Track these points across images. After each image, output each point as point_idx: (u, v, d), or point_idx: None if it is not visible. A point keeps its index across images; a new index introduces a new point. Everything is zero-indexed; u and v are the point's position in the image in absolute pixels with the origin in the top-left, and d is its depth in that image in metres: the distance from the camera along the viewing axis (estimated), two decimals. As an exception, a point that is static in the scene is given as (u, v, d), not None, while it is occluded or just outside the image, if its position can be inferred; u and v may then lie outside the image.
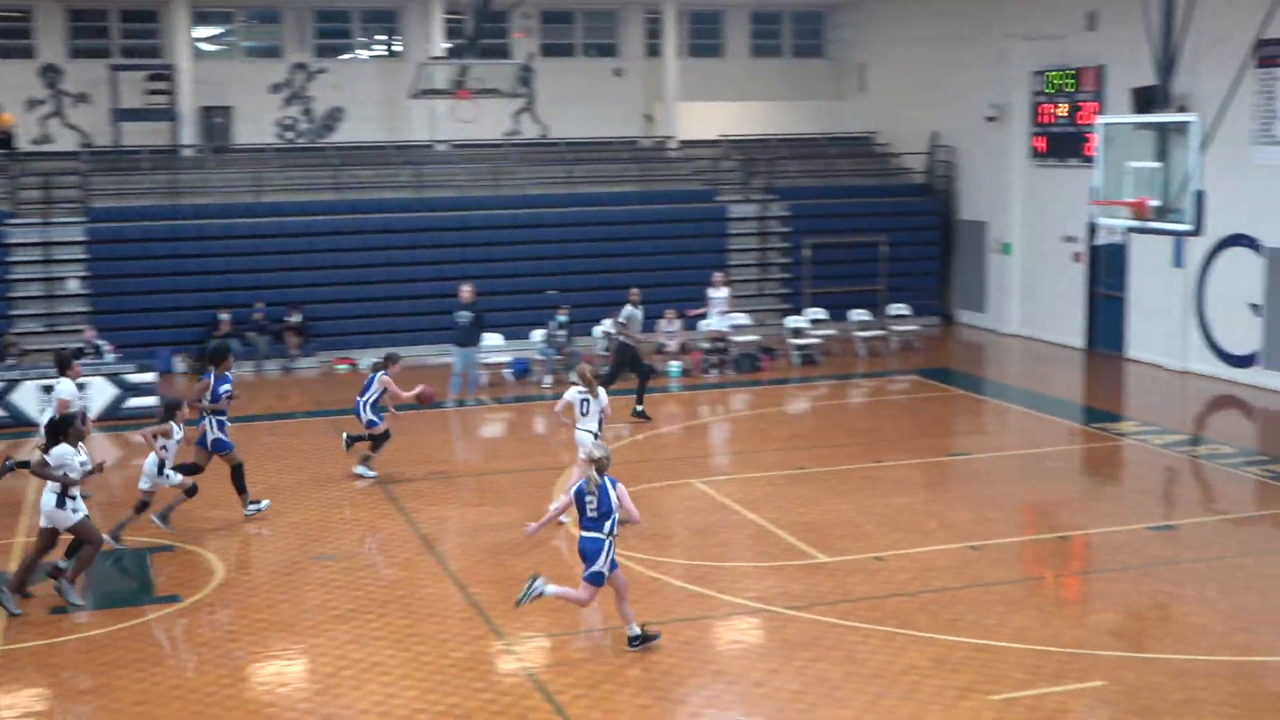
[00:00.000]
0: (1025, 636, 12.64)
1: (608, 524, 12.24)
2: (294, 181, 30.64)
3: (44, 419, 16.25)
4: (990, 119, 30.74)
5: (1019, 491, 17.95)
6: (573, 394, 16.56)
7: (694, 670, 12.01)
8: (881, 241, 30.59)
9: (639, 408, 22.05)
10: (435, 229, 29.47)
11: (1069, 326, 28.99)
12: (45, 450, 13.86)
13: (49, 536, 13.88)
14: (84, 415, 15.13)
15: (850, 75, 37.08)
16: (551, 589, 12.33)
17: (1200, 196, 16.39)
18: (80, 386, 17.60)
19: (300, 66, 33.30)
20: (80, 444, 13.92)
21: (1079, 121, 28.13)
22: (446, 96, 27.20)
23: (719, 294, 26.47)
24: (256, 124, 32.91)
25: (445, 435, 22.08)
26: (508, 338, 26.85)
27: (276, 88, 33.21)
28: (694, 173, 33.35)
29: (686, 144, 34.66)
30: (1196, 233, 16.93)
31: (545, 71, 34.53)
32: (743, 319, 28.23)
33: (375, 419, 18.57)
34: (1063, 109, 28.79)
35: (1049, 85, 29.10)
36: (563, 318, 25.82)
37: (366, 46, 34.82)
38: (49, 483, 13.64)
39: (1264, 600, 13.53)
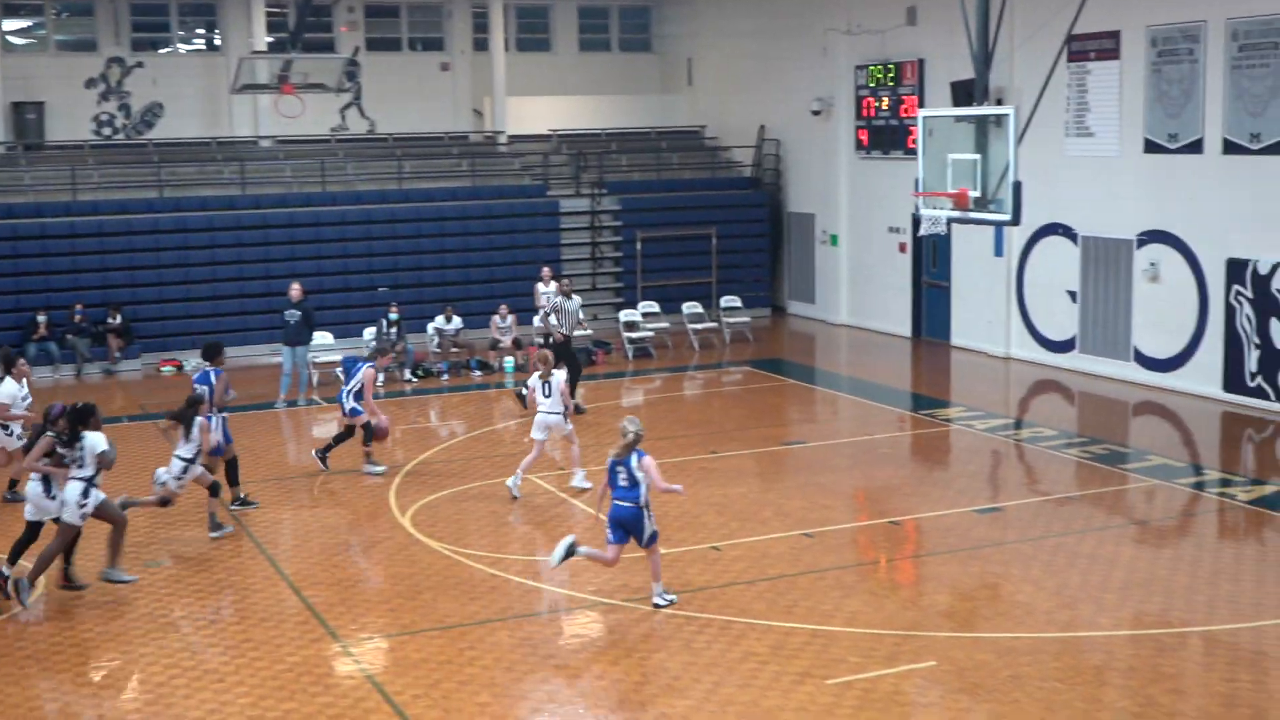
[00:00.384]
0: (859, 620, 12.87)
1: (639, 492, 12.99)
2: (112, 179, 29.78)
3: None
4: (815, 113, 31.23)
5: (851, 478, 18.27)
6: (534, 380, 17.49)
7: (534, 666, 11.98)
8: (712, 234, 30.91)
9: (575, 400, 21.97)
10: (261, 226, 28.91)
11: (896, 316, 29.61)
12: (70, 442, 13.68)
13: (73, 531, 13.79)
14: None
15: (678, 69, 37.37)
16: (584, 550, 13.19)
17: (1018, 187, 16.84)
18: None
19: (116, 61, 32.36)
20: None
21: (901, 115, 28.76)
22: (270, 91, 26.69)
23: (548, 289, 26.44)
24: (71, 120, 31.93)
25: (276, 436, 21.68)
26: (338, 336, 26.50)
27: (91, 83, 32.24)
28: (524, 168, 33.27)
29: (516, 139, 34.58)
30: (1015, 222, 17.41)
31: (371, 66, 34.14)
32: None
33: (358, 408, 18.47)
34: (885, 102, 29.38)
35: (871, 79, 29.68)
36: (394, 315, 25.55)
37: (185, 40, 33.98)
38: (60, 474, 13.66)
39: (1085, 578, 13.98)
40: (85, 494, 13.64)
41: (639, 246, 30.60)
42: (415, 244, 29.94)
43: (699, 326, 28.95)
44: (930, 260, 28.80)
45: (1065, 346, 25.27)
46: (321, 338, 25.37)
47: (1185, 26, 22.35)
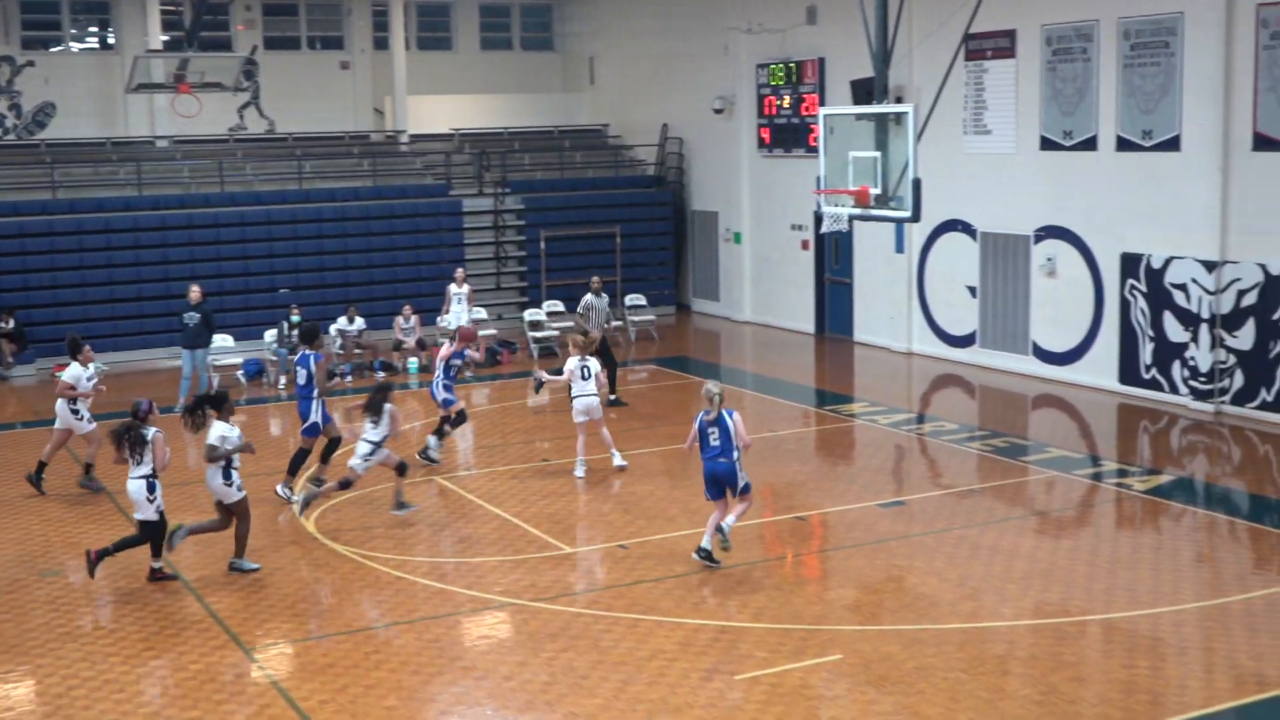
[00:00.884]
0: (766, 616, 12.95)
1: (733, 447, 13.91)
2: (3, 180, 29.15)
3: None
4: (718, 111, 31.37)
5: (757, 474, 18.29)
6: (573, 362, 17.98)
7: (442, 668, 11.91)
8: (616, 233, 30.94)
9: (613, 396, 22.18)
10: (159, 228, 28.44)
11: (800, 312, 29.83)
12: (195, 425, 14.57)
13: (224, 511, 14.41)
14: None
15: (580, 68, 37.35)
16: (731, 519, 14.13)
17: (918, 184, 17.00)
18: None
19: (6, 59, 31.67)
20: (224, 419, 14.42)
21: (802, 113, 28.97)
22: (166, 91, 26.29)
23: (461, 290, 26.28)
24: (-41, 120, 31.24)
25: (176, 440, 21.30)
26: (239, 338, 26.17)
27: (-20, 82, 31.58)
28: (426, 167, 33.06)
29: (418, 138, 34.37)
30: (915, 219, 17.57)
31: (270, 65, 33.74)
32: (481, 313, 28.14)
33: (451, 397, 18.71)
34: (786, 101, 29.58)
35: (772, 78, 29.86)
36: (295, 317, 25.25)
37: (78, 39, 33.34)
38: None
39: (987, 569, 14.18)
40: (226, 476, 14.29)
41: (543, 246, 30.55)
42: (317, 245, 29.64)
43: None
44: (833, 257, 29.05)
45: (966, 341, 25.61)
46: (222, 340, 25.04)
47: (1079, 25, 22.75)
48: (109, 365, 26.77)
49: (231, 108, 32.87)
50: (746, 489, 14.21)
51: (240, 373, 25.16)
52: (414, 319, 26.33)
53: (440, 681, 11.65)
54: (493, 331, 27.83)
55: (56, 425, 17.98)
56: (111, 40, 33.03)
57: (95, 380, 18.05)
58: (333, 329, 26.25)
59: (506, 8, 37.54)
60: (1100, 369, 22.92)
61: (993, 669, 11.67)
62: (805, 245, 29.61)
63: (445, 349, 19.18)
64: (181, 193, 29.76)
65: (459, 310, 25.92)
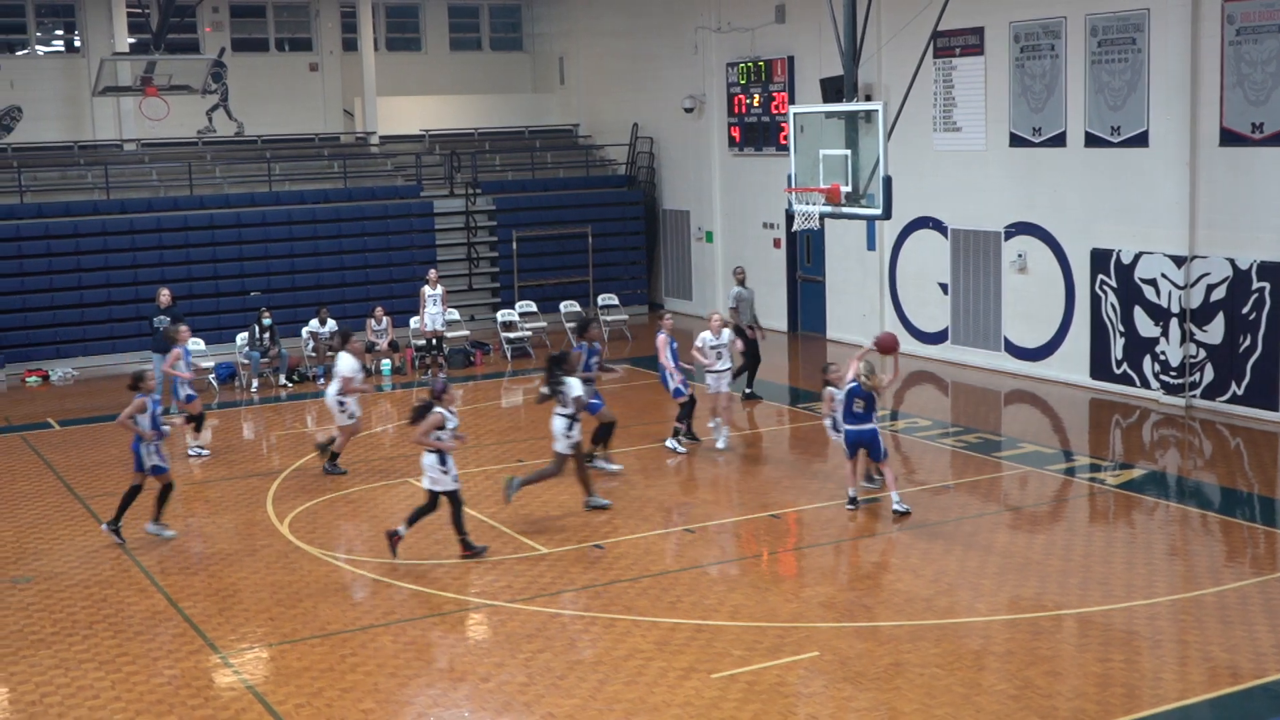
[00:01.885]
0: (743, 614, 12.96)
1: (874, 415, 15.64)
2: (-31, 185, 28.97)
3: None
4: (688, 110, 31.39)
5: (731, 473, 18.39)
6: (705, 338, 18.99)
7: (419, 670, 11.88)
8: (588, 233, 30.93)
9: (749, 390, 22.60)
10: (128, 231, 28.27)
11: (773, 310, 29.83)
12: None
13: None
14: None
15: (550, 68, 37.32)
16: (896, 496, 15.77)
17: (888, 182, 17.03)
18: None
19: (-29, 64, 31.48)
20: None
21: (772, 111, 29.01)
22: (133, 94, 26.15)
23: (435, 292, 26.20)
24: (-76, 125, 30.99)
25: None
26: (210, 342, 26.05)
27: (-55, 86, 31.32)
28: (397, 168, 32.98)
29: (388, 139, 34.29)
30: (886, 217, 17.60)
31: (238, 67, 33.56)
32: (454, 315, 28.09)
33: (682, 388, 19.00)
34: (756, 99, 29.62)
35: (742, 76, 29.89)
36: (267, 320, 25.16)
37: (44, 42, 33.11)
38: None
39: (962, 564, 14.23)
40: (570, 429, 15.81)
41: (515, 246, 30.51)
42: (288, 247, 29.51)
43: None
44: (804, 255, 29.10)
45: (938, 338, 25.70)
46: (193, 344, 24.85)
47: (1046, 22, 22.85)
48: (78, 370, 26.67)
49: (200, 110, 32.65)
50: (885, 454, 15.98)
51: (212, 376, 25.05)
52: (386, 320, 26.26)
53: (417, 684, 11.62)
54: (465, 333, 27.78)
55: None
56: (78, 43, 32.82)
57: (365, 377, 18.89)
58: (304, 332, 26.15)
59: (475, 8, 37.48)
60: (1072, 364, 23.03)
61: (969, 664, 11.71)
62: (777, 244, 29.66)
63: (700, 340, 19.37)
64: (150, 196, 29.61)
65: (434, 312, 25.85)
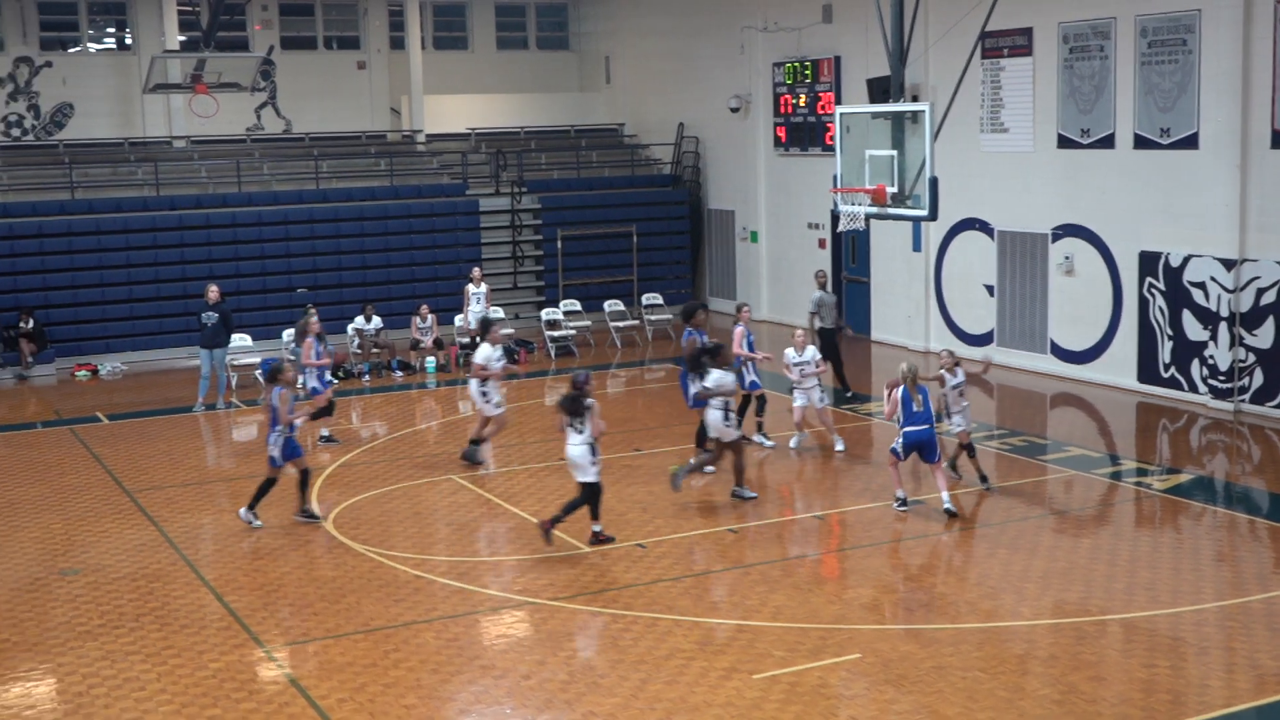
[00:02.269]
0: (784, 615, 12.94)
1: (929, 415, 15.67)
2: (22, 181, 29.29)
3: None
4: (734, 110, 31.36)
5: (775, 473, 18.36)
6: (789, 355, 19.18)
7: (460, 667, 11.93)
8: (632, 232, 30.95)
9: (849, 392, 22.97)
10: (177, 228, 28.53)
11: (816, 311, 29.75)
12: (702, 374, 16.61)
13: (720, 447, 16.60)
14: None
15: (596, 67, 37.36)
16: (946, 496, 15.82)
17: (934, 183, 16.95)
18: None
19: (24, 60, 31.80)
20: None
21: (819, 111, 28.93)
22: (183, 91, 26.39)
23: (479, 289, 26.29)
24: (-23, 121, 31.39)
25: (196, 440, 21.41)
26: (256, 338, 26.24)
27: (-1, 83, 31.71)
28: (443, 167, 33.10)
29: (434, 138, 34.42)
30: (932, 218, 17.52)
31: (286, 65, 33.83)
32: (499, 312, 28.16)
33: (757, 380, 19.36)
34: (802, 100, 29.55)
35: (788, 76, 29.83)
36: (314, 316, 25.25)
37: (95, 39, 33.44)
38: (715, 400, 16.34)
39: (1006, 568, 14.15)
40: (726, 419, 16.47)
41: (560, 245, 30.57)
42: (334, 244, 29.70)
43: (621, 324, 28.98)
44: (849, 256, 29.01)
45: (983, 340, 25.56)
46: (240, 340, 25.10)
47: (1096, 23, 22.69)
48: (127, 365, 26.92)
49: (248, 108, 32.97)
50: (939, 457, 15.92)
51: (258, 372, 25.18)
52: (431, 318, 26.36)
53: (459, 680, 11.67)
54: (509, 331, 27.84)
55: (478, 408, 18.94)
56: (129, 41, 33.12)
57: (504, 363, 18.92)
58: (350, 329, 26.30)
59: (522, 7, 37.57)
60: (1119, 367, 22.85)
61: (1012, 668, 11.65)
62: (822, 244, 29.58)
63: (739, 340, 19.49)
64: (199, 193, 29.85)
65: (478, 309, 25.96)
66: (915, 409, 15.67)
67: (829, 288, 23.19)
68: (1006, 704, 10.91)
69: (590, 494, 15.09)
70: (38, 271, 27.40)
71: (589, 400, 15.15)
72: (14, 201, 28.38)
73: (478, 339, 19.20)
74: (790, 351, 19.28)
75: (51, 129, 32.01)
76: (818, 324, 22.43)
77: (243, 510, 16.23)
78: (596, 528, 15.14)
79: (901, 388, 15.76)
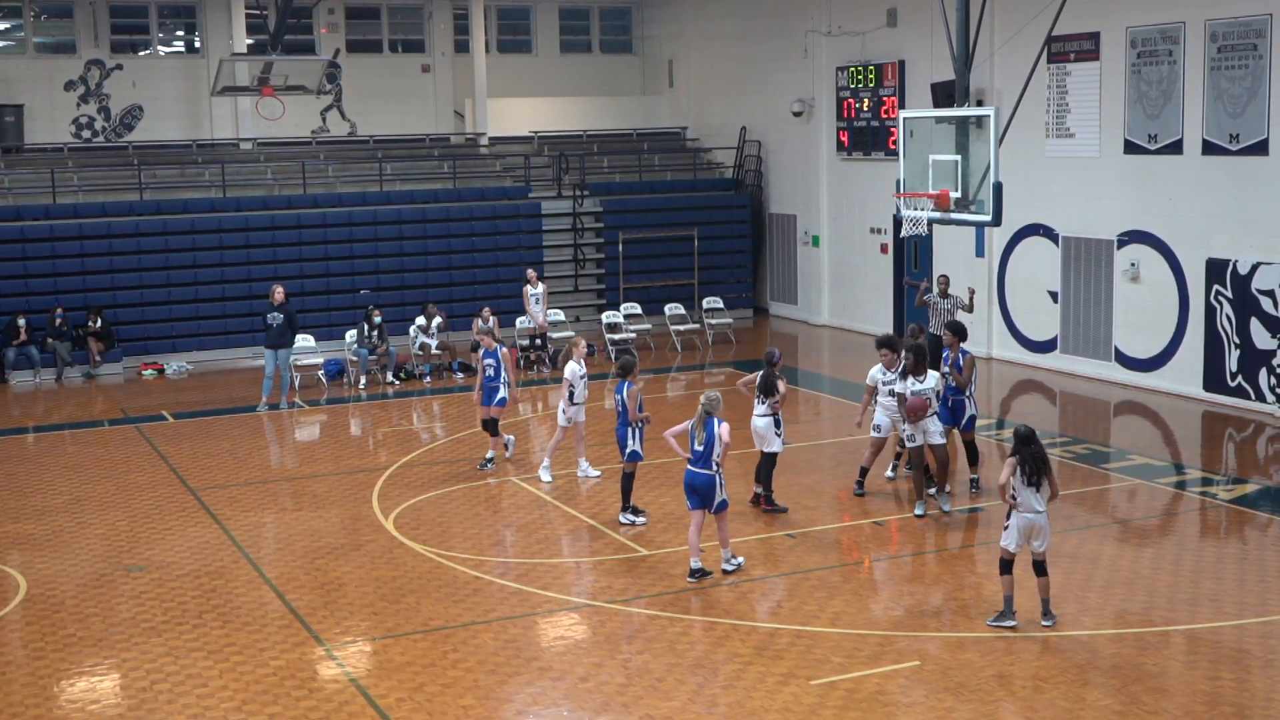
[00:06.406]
0: (843, 621, 12.89)
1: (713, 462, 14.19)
2: (92, 182, 29.69)
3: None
4: (796, 114, 31.28)
5: (835, 480, 18.29)
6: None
7: (518, 668, 11.98)
8: (694, 235, 30.94)
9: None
10: (243, 229, 28.83)
11: (878, 316, 29.66)
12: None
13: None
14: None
15: (659, 71, 37.39)
16: (726, 552, 14.43)
17: (998, 188, 16.85)
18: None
19: (95, 63, 32.26)
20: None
21: (882, 116, 28.81)
22: (250, 94, 26.65)
23: (536, 290, 26.37)
24: (50, 123, 31.85)
25: (259, 439, 21.62)
26: (320, 339, 26.45)
27: (70, 85, 32.13)
28: (506, 169, 33.24)
29: (497, 140, 34.57)
30: (996, 223, 17.41)
31: (352, 68, 34.09)
32: (558, 315, 28.27)
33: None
34: (865, 104, 29.43)
35: (851, 80, 29.72)
36: (376, 318, 25.48)
37: (165, 42, 33.88)
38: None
39: (1068, 577, 14.02)
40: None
41: (621, 248, 30.61)
42: (397, 246, 29.89)
43: (681, 328, 28.97)
44: (912, 261, 28.86)
45: (1047, 346, 25.34)
46: (303, 340, 25.32)
47: (1164, 27, 22.44)
48: (193, 364, 27.23)
49: (314, 110, 33.26)
50: (722, 506, 14.14)
51: (321, 373, 25.44)
52: (493, 320, 26.43)
53: (517, 682, 11.71)
54: (570, 334, 27.90)
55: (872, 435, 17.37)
56: (197, 44, 33.53)
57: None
58: (412, 330, 26.45)
59: (586, 11, 37.66)
60: (1184, 376, 22.59)
61: (1073, 678, 11.54)
62: (884, 249, 29.45)
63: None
64: (265, 194, 30.15)
65: (536, 310, 26.06)
66: (696, 446, 14.11)
67: (949, 293, 21.96)
68: (1067, 714, 10.82)
69: (769, 465, 16.33)
70: (106, 271, 27.79)
71: (778, 375, 16.20)
72: (84, 202, 28.78)
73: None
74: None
75: (121, 131, 32.45)
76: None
77: (621, 515, 16.20)
78: (760, 491, 16.37)
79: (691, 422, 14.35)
